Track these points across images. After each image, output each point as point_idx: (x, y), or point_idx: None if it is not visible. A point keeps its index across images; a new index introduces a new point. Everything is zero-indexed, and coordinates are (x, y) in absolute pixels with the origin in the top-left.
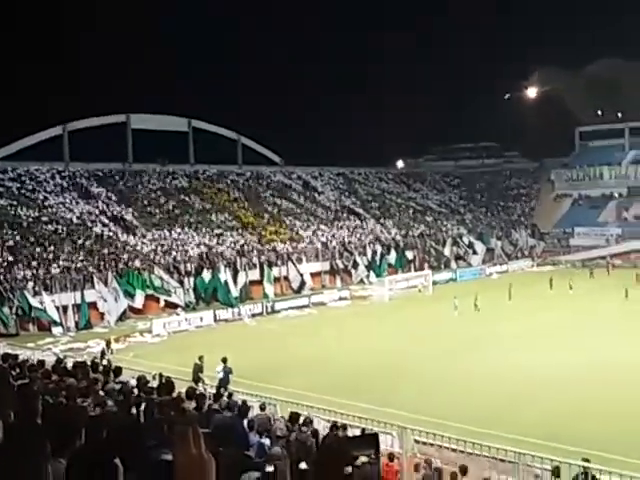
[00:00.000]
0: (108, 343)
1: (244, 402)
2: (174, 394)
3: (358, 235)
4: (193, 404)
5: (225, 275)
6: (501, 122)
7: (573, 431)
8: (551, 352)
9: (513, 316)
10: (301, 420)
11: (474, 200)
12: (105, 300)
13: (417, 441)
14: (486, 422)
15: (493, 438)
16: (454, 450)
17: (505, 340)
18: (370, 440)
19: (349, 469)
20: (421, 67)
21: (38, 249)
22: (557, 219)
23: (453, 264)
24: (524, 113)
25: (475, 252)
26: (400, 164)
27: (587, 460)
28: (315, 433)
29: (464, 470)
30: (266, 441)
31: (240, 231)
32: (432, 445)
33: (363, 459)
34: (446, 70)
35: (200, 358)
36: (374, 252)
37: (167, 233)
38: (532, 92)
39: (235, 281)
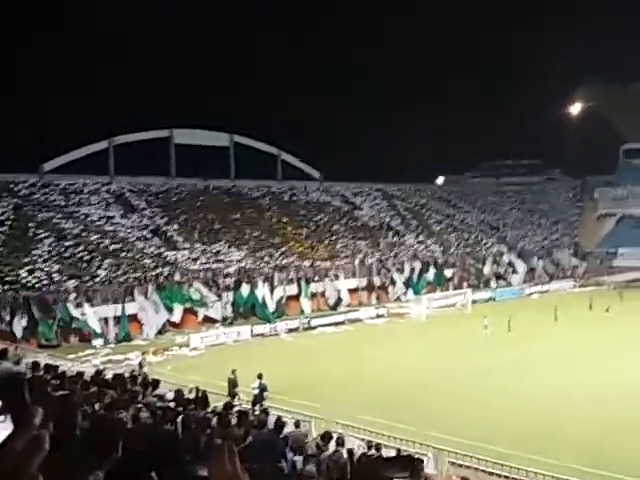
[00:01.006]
0: (143, 354)
1: (279, 418)
2: (209, 408)
3: (396, 252)
4: (234, 419)
5: (263, 290)
6: (543, 139)
7: (617, 457)
8: (589, 373)
9: (550, 337)
10: (334, 438)
11: (515, 218)
12: (146, 312)
13: (453, 463)
14: (525, 446)
15: (531, 462)
16: (491, 474)
17: (542, 361)
18: (406, 462)
19: None
20: (463, 83)
21: (81, 261)
22: (600, 238)
23: (493, 283)
24: (567, 130)
25: (516, 271)
26: (440, 180)
27: None
28: (350, 453)
29: None
30: (299, 458)
31: (278, 246)
32: (468, 467)
33: None
34: (489, 86)
35: (233, 372)
36: (412, 269)
37: (207, 247)
38: (575, 108)
39: (272, 296)
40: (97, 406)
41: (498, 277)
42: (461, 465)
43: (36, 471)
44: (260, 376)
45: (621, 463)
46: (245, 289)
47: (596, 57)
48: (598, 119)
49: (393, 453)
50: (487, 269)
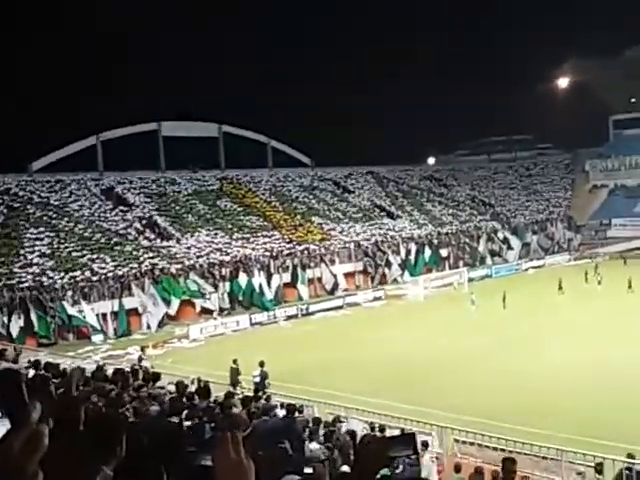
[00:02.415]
0: (142, 349)
1: (290, 404)
2: (211, 398)
3: (391, 234)
4: (239, 408)
5: (259, 278)
6: (533, 114)
7: (616, 427)
8: (589, 347)
9: (549, 311)
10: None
11: (508, 194)
12: (145, 306)
13: (457, 440)
14: (527, 420)
15: (534, 436)
16: (495, 449)
17: (541, 336)
18: (407, 440)
19: (386, 471)
20: (452, 62)
21: (76, 258)
22: (593, 210)
23: (488, 260)
24: (556, 104)
25: (510, 247)
26: (431, 161)
27: (632, 456)
28: (352, 434)
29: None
30: (310, 444)
31: (272, 234)
32: (472, 444)
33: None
34: (476, 64)
35: (234, 361)
36: (408, 251)
37: (201, 238)
38: (564, 82)
39: (269, 284)
40: (99, 402)
41: (493, 254)
42: (465, 442)
43: (35, 467)
44: (262, 364)
45: (623, 435)
46: (243, 278)
47: (581, 30)
48: (586, 92)
49: (397, 433)
50: (482, 247)
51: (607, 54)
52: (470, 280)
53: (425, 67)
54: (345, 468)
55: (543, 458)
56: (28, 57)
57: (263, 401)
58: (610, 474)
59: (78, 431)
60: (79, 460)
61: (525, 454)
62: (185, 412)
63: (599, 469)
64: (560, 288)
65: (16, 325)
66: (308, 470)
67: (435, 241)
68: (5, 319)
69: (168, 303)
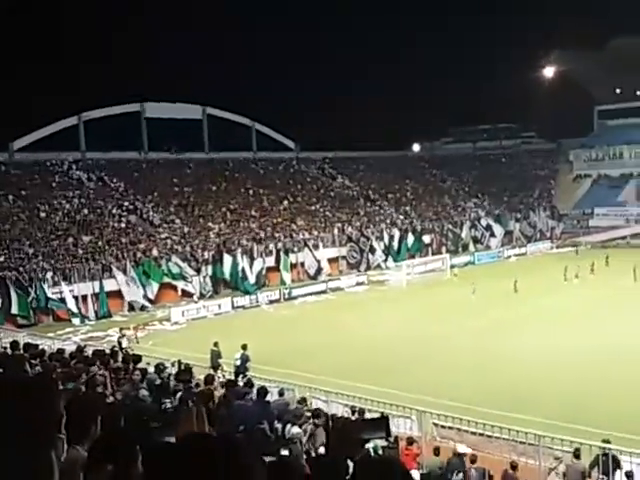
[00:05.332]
0: (121, 330)
1: (262, 387)
2: (193, 380)
3: (375, 220)
4: (221, 391)
5: (242, 262)
6: (518, 103)
7: (593, 413)
8: (569, 335)
9: (530, 300)
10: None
11: (492, 182)
12: (129, 288)
13: (436, 424)
14: (505, 405)
15: (513, 421)
16: (474, 433)
17: (524, 323)
18: (380, 423)
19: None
20: (437, 49)
21: (56, 240)
22: (576, 200)
23: (471, 247)
24: (541, 93)
25: (493, 235)
26: (417, 147)
27: (607, 441)
28: (327, 417)
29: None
30: (292, 427)
31: (256, 218)
32: (451, 429)
33: (379, 443)
34: (461, 51)
35: (215, 344)
36: (391, 237)
37: (183, 221)
38: (549, 71)
39: (251, 268)
40: (77, 383)
41: (476, 241)
42: (444, 426)
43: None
44: (244, 347)
45: (599, 421)
46: (226, 262)
47: (565, 19)
48: (571, 82)
49: (373, 416)
50: (465, 233)
51: (592, 44)
52: (452, 267)
53: (409, 54)
54: (322, 450)
55: (521, 443)
56: (12, 28)
57: (242, 384)
58: (588, 459)
59: (52, 411)
60: (44, 438)
61: (504, 439)
62: (163, 393)
63: (577, 454)
64: (565, 279)
65: None
66: (284, 452)
67: (418, 227)
68: None
69: (145, 287)
